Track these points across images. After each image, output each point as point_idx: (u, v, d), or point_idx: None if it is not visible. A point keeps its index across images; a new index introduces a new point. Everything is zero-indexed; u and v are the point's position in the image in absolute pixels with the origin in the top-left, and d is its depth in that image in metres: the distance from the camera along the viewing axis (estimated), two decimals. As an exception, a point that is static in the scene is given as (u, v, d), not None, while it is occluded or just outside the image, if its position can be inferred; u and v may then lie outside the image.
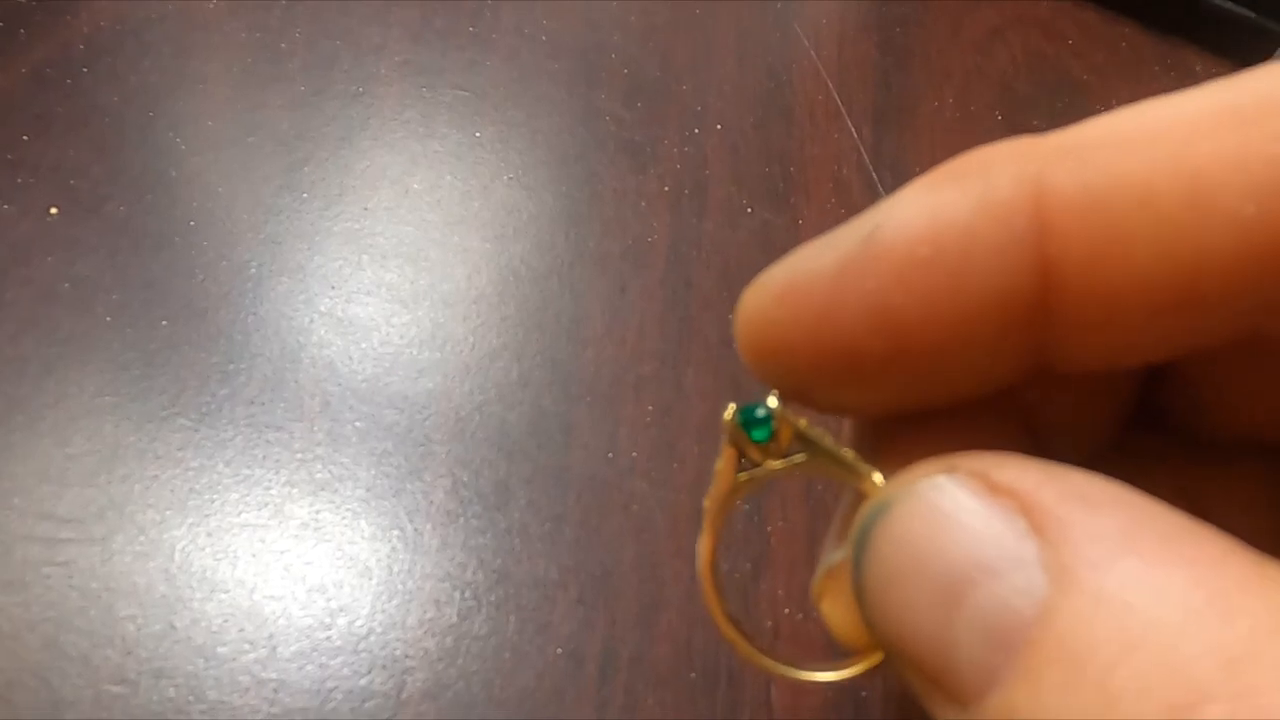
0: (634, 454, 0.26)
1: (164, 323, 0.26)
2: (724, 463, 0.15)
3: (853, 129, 0.34)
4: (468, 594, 0.23)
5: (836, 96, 0.35)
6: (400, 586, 0.23)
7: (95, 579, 0.22)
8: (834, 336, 0.13)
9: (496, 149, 0.31)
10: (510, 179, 0.31)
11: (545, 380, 0.26)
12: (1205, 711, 0.09)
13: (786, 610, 0.23)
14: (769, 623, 0.23)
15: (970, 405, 0.14)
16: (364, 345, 0.26)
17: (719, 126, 0.33)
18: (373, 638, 0.22)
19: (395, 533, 0.23)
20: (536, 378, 0.27)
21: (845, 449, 0.14)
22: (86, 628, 0.21)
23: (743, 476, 0.15)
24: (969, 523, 0.11)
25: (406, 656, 0.22)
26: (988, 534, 0.11)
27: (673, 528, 0.24)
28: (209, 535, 0.23)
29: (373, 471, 0.24)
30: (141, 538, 0.23)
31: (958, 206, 0.12)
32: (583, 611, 0.23)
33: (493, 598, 0.23)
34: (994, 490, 0.11)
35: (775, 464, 0.15)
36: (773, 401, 0.14)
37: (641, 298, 0.29)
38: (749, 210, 0.32)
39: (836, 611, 0.16)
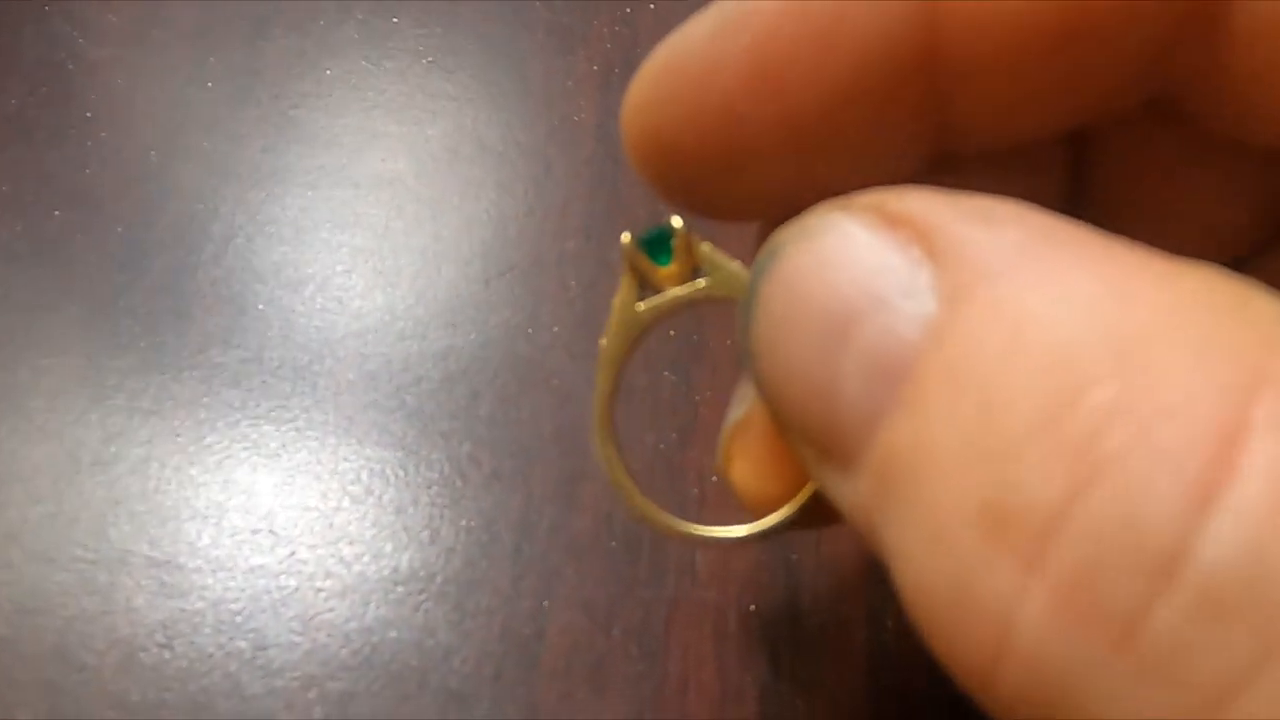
0: (555, 329, 0.24)
1: (57, 213, 0.25)
2: (622, 294, 0.14)
3: (795, 5, 0.33)
4: (375, 471, 0.22)
5: (777, -28, 0.33)
6: (302, 465, 0.22)
7: (-21, 467, 0.21)
8: (714, 107, 0.12)
9: (416, 33, 0.30)
10: (430, 62, 0.29)
11: (462, 258, 0.25)
12: (1091, 395, 0.08)
13: (714, 479, 0.22)
14: (695, 490, 0.22)
15: None
16: (269, 229, 0.25)
17: (652, 6, 0.32)
18: (274, 517, 0.21)
19: (299, 412, 0.22)
20: (453, 256, 0.25)
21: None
22: (-31, 515, 0.20)
23: (642, 306, 0.14)
24: (860, 256, 0.10)
25: (309, 533, 0.21)
26: (879, 265, 0.10)
27: (596, 401, 0.23)
28: (100, 420, 0.22)
29: (277, 354, 0.23)
30: (28, 424, 0.21)
31: None
32: (498, 486, 0.22)
33: (401, 473, 0.22)
34: (890, 221, 0.10)
35: (678, 290, 0.13)
36: (676, 221, 0.13)
37: (567, 176, 0.27)
38: (683, 87, 0.30)
39: (743, 472, 0.15)
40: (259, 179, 0.26)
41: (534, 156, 0.28)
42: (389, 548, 0.21)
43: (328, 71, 0.29)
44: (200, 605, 0.20)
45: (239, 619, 0.20)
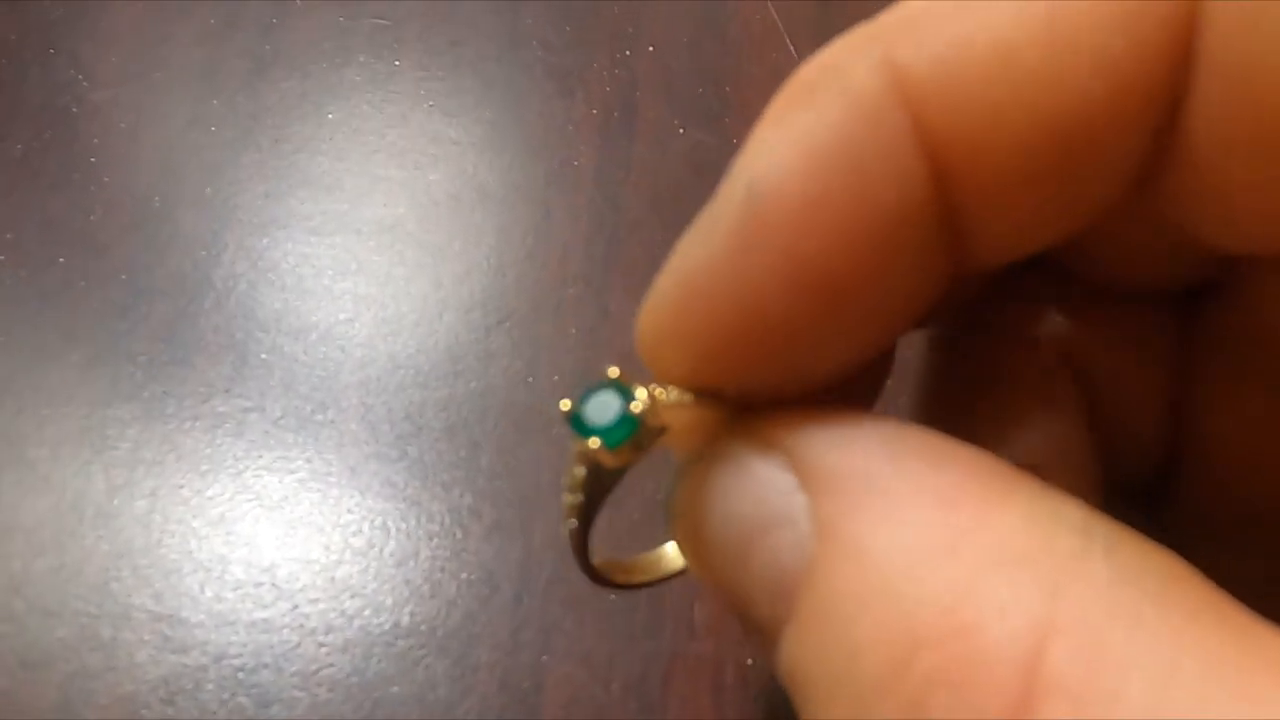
0: (555, 377, 0.25)
1: (60, 260, 0.25)
2: (579, 473, 0.12)
3: (791, 48, 0.33)
4: (377, 523, 0.22)
5: (775, 14, 0.34)
6: (305, 518, 0.22)
7: (-17, 519, 0.21)
8: (757, 319, 0.11)
9: (417, 77, 0.30)
10: (431, 106, 0.29)
11: (463, 305, 0.25)
12: (918, 660, 0.09)
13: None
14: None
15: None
16: (271, 276, 0.25)
17: (651, 48, 0.32)
18: (276, 570, 0.21)
19: (301, 463, 0.22)
20: (454, 303, 0.25)
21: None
22: (-28, 568, 0.20)
23: (612, 461, 0.12)
24: (747, 483, 0.11)
25: (311, 587, 0.21)
26: (762, 492, 0.11)
27: (595, 450, 0.23)
28: (104, 471, 0.22)
29: (279, 403, 0.23)
30: (31, 475, 0.22)
31: (825, 126, 0.11)
32: (498, 537, 0.22)
33: (403, 525, 0.22)
34: (767, 446, 0.11)
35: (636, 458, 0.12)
36: (638, 403, 0.11)
37: (566, 221, 0.28)
38: (681, 131, 0.30)
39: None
40: (261, 225, 0.26)
41: (533, 202, 0.28)
42: (390, 601, 0.21)
43: (330, 115, 0.29)
44: (203, 660, 0.20)
45: (241, 675, 0.20)
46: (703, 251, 0.11)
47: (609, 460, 0.12)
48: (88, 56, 0.29)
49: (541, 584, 0.21)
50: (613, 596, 0.21)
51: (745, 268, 0.11)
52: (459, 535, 0.22)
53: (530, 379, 0.24)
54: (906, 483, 0.10)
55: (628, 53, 0.32)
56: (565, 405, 0.12)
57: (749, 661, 0.21)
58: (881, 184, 0.11)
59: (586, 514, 0.13)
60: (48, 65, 0.28)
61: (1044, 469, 0.15)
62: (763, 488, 0.11)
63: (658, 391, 0.12)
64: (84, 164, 0.27)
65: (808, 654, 0.10)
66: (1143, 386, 0.15)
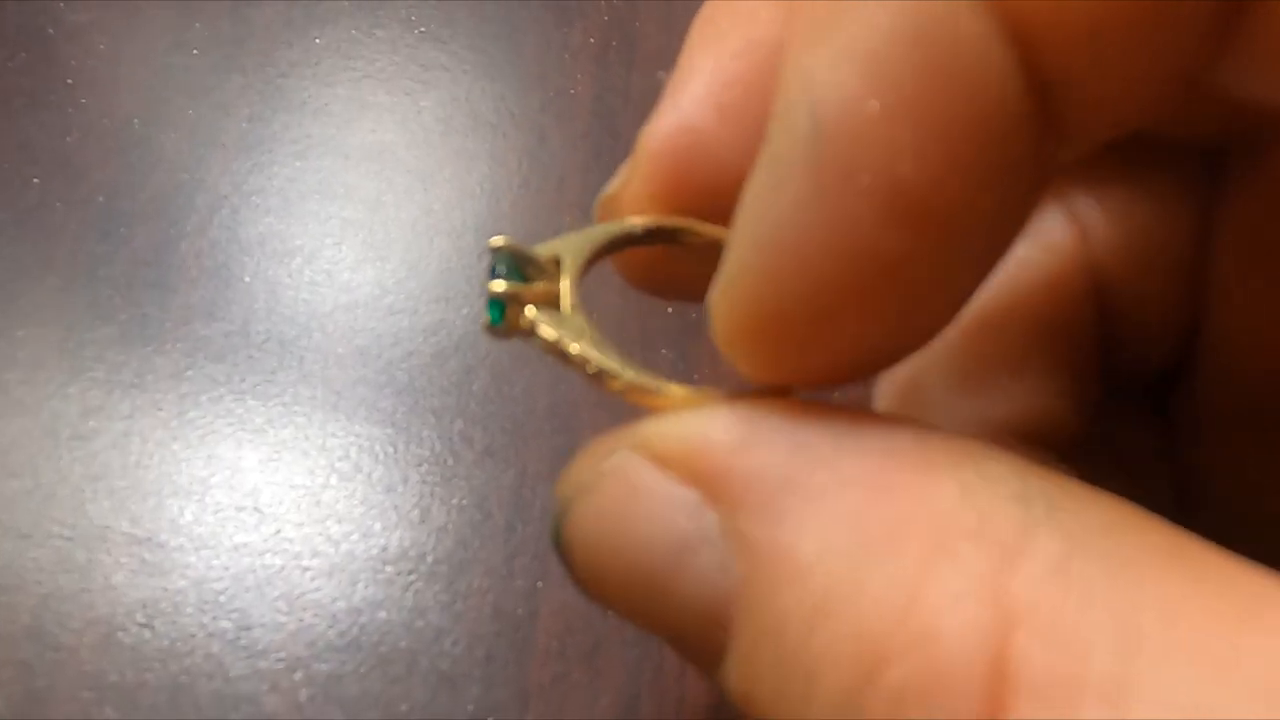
0: (550, 304, 0.24)
1: (36, 181, 0.24)
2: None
3: (796, -21, 0.32)
4: (364, 448, 0.21)
5: (778, -55, 0.32)
6: (289, 442, 0.21)
7: (-47, 440, 0.20)
8: (867, 264, 0.09)
9: (408, 2, 0.29)
10: (422, 33, 0.28)
11: (455, 231, 0.24)
12: (886, 676, 0.08)
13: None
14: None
15: None
16: (255, 200, 0.24)
17: (650, -23, 0.31)
18: (259, 494, 0.20)
19: (285, 388, 0.22)
20: (445, 229, 0.25)
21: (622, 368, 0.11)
22: (-59, 490, 0.20)
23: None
24: (651, 504, 0.10)
25: (295, 511, 0.20)
26: (667, 514, 0.10)
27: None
28: (80, 394, 0.21)
29: (262, 327, 0.22)
30: (3, 397, 0.21)
31: (882, 24, 0.09)
32: (491, 463, 0.21)
33: (391, 450, 0.21)
34: (662, 462, 0.10)
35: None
36: (499, 285, 0.11)
37: (563, 150, 0.27)
38: (682, 61, 0.29)
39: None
40: (245, 148, 0.25)
41: (528, 129, 0.27)
42: (378, 526, 0.20)
43: (317, 40, 0.28)
44: (182, 584, 0.19)
45: (222, 598, 0.19)
46: (777, 206, 0.09)
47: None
48: (65, -22, 0.28)
49: (535, 511, 0.21)
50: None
51: (835, 207, 0.09)
52: (450, 461, 0.21)
53: (524, 305, 0.24)
54: (823, 474, 0.09)
55: (626, -18, 0.31)
56: (497, 241, 0.11)
57: (751, 590, 0.20)
58: (967, 75, 0.09)
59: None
60: (23, -14, 0.27)
61: (1039, 358, 0.14)
62: (666, 508, 0.10)
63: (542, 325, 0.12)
64: (61, 86, 0.26)
65: (759, 680, 0.09)
66: (1158, 266, 0.14)
